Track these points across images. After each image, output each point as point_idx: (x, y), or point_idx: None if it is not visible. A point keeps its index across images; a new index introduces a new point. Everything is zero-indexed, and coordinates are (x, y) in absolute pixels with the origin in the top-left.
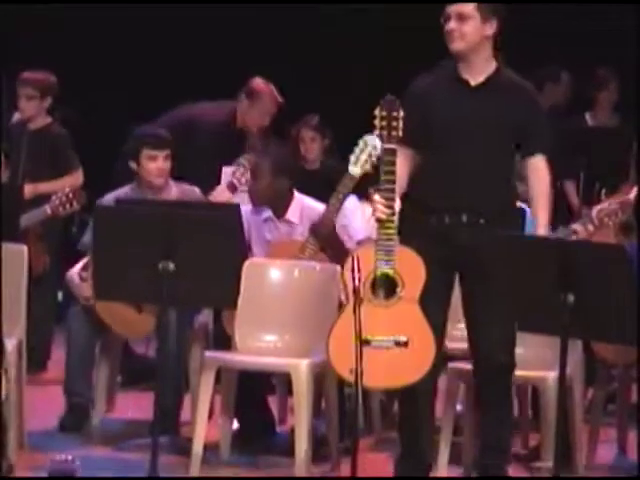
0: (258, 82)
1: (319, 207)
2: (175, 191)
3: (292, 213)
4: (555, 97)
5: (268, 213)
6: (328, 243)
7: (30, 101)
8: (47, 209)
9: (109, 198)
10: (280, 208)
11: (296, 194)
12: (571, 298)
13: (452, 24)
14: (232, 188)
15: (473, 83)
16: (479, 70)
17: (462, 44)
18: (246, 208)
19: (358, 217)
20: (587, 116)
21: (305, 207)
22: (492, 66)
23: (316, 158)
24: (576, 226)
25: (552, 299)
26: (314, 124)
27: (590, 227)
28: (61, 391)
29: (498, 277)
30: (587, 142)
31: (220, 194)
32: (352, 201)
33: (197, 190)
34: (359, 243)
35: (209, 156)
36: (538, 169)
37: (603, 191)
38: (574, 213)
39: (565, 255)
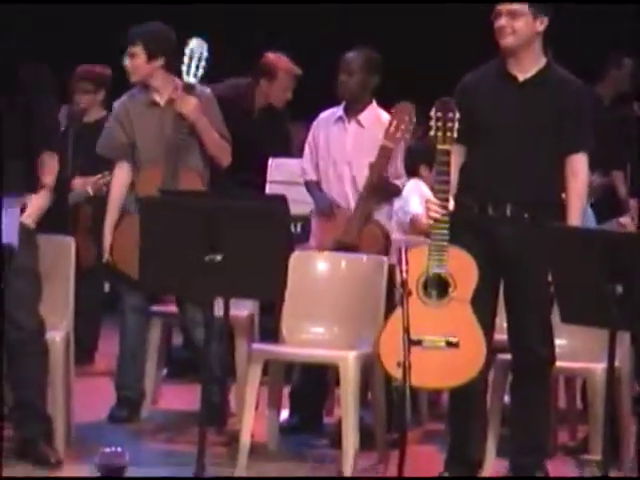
0: (272, 58)
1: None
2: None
3: (365, 116)
4: (619, 83)
5: (340, 113)
6: (382, 190)
7: (85, 95)
8: (89, 189)
9: (121, 100)
10: (357, 106)
11: (374, 103)
12: (619, 289)
13: (503, 20)
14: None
15: (521, 79)
16: (528, 66)
17: (513, 40)
18: (322, 117)
19: (415, 198)
20: (635, 106)
21: (378, 116)
22: (541, 62)
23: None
24: (623, 219)
25: (600, 291)
26: None
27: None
28: (109, 383)
29: (542, 270)
30: (636, 132)
31: None
32: (410, 184)
33: (208, 91)
34: (413, 219)
35: None
36: (576, 168)
37: None
38: (622, 204)
39: (614, 247)
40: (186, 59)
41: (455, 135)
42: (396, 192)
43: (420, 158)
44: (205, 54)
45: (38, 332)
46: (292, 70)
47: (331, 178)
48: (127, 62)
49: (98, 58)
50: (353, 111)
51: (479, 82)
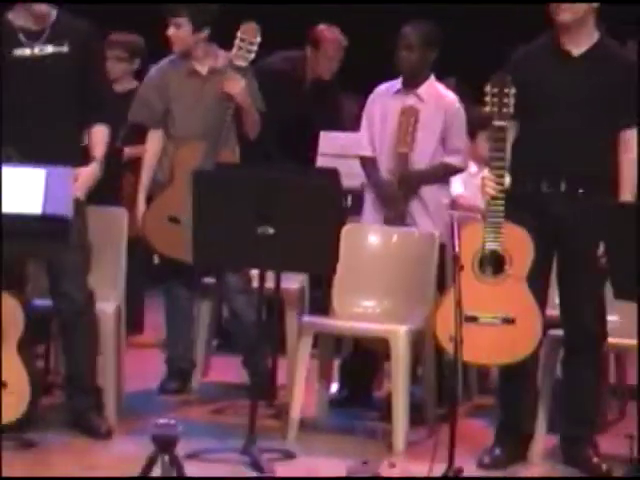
0: (321, 29)
1: (450, 96)
2: (222, 61)
3: (424, 90)
4: None
5: (398, 86)
6: (422, 180)
7: (119, 63)
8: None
9: (159, 66)
10: (416, 80)
11: (433, 77)
12: None
13: None
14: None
15: (575, 54)
16: (582, 41)
17: (569, 15)
18: (379, 90)
19: (456, 178)
20: None
21: (437, 90)
22: (595, 37)
23: None
24: None
25: None
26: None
27: None
28: (158, 354)
29: (595, 246)
30: None
31: None
32: None
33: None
34: (453, 202)
35: (274, 108)
36: (629, 142)
37: None
38: None
39: None
40: (237, 42)
41: (511, 111)
42: (449, 172)
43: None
44: (258, 39)
45: (88, 304)
46: (337, 40)
47: (385, 152)
48: (171, 32)
49: (126, 26)
50: (412, 85)
51: (532, 57)
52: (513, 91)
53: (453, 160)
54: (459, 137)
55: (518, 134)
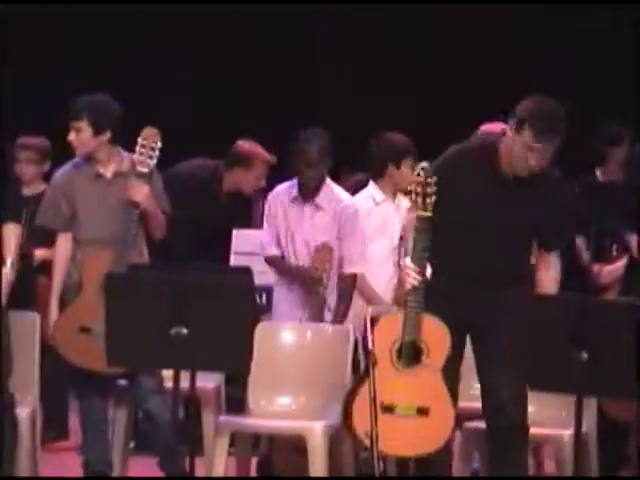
0: (248, 148)
1: (345, 199)
2: (127, 164)
3: (322, 198)
4: (619, 160)
5: (294, 193)
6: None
7: (30, 165)
8: None
9: (64, 170)
10: (314, 191)
11: (328, 179)
12: (585, 355)
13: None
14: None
15: (514, 180)
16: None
17: (538, 167)
18: (277, 192)
19: None
20: (598, 172)
21: (335, 194)
22: None
23: None
24: None
25: (565, 357)
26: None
27: None
28: (78, 458)
29: (508, 336)
30: (599, 198)
31: None
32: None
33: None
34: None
35: (189, 213)
36: (550, 265)
37: (614, 247)
38: (584, 269)
39: (578, 312)
40: (139, 148)
41: (434, 200)
42: (352, 284)
43: (388, 156)
44: (159, 144)
45: (9, 407)
46: (268, 159)
47: (292, 254)
48: (72, 137)
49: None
50: (309, 193)
51: (466, 169)
52: (435, 180)
53: (351, 270)
54: (353, 240)
55: (438, 231)
